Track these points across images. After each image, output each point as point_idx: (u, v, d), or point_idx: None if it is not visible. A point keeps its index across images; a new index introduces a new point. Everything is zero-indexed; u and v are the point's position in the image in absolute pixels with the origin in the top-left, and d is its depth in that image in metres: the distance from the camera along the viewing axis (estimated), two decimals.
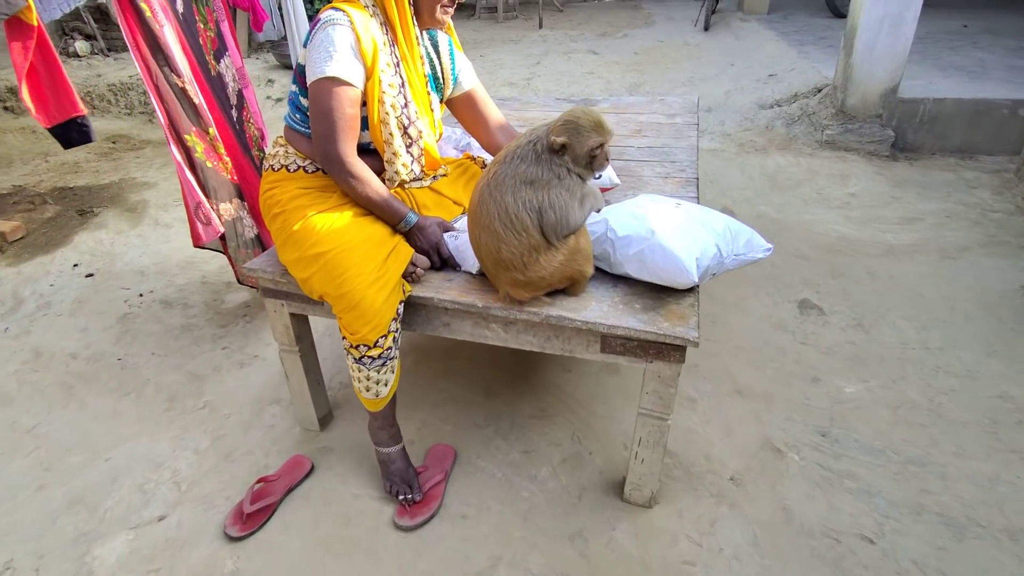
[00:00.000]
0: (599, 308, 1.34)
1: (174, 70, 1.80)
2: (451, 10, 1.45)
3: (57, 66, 1.64)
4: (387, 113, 1.40)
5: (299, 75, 1.42)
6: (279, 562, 1.46)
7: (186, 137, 1.84)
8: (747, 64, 5.21)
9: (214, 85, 2.08)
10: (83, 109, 1.70)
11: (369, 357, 1.33)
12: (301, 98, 1.44)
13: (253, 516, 1.56)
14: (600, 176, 1.40)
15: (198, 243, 1.96)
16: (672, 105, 2.83)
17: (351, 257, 1.29)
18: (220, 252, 2.21)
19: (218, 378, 2.08)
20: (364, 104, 1.39)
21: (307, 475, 1.69)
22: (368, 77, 1.36)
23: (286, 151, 1.50)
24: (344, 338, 1.35)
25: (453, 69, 1.62)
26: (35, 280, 2.70)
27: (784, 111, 4.27)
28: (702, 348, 2.14)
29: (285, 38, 4.49)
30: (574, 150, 1.25)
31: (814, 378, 2.00)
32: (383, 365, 1.36)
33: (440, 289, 1.43)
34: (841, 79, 3.77)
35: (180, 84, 1.81)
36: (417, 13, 1.43)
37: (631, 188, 1.93)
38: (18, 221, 3.04)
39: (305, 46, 1.36)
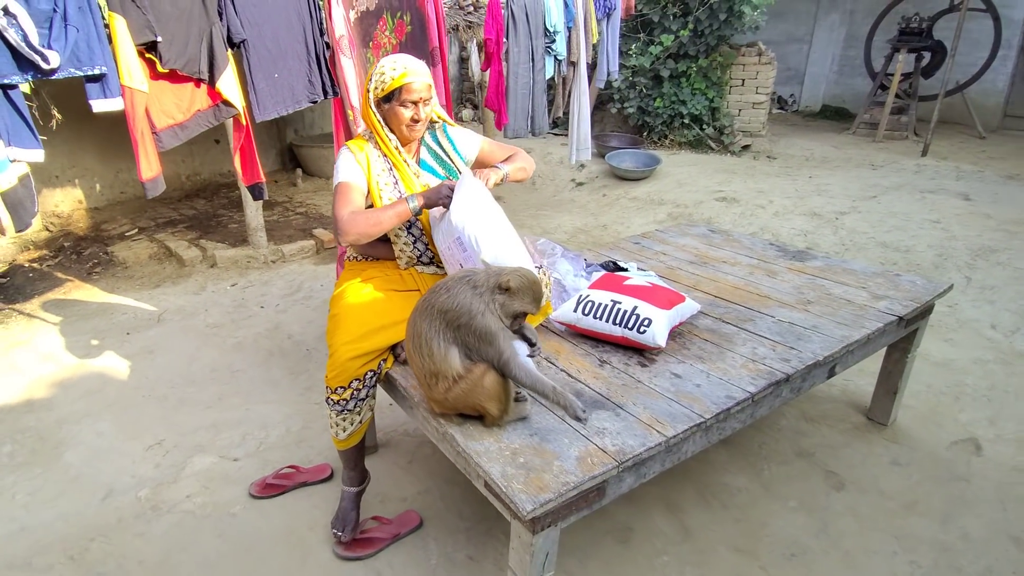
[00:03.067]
0: (487, 445, 1.54)
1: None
2: (417, 127, 1.97)
3: (253, 149, 2.80)
4: (390, 200, 1.97)
5: None
6: (256, 527, 2.09)
7: None
8: None
9: None
10: (263, 177, 2.86)
11: (331, 400, 1.85)
12: None
13: (269, 487, 2.23)
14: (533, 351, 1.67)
15: None
16: (900, 284, 2.48)
17: (345, 320, 1.85)
18: None
19: None
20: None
21: (323, 479, 2.29)
22: (367, 179, 1.98)
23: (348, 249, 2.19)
24: None
25: (456, 151, 2.13)
26: (317, 278, 4.06)
27: None
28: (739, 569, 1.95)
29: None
30: (511, 301, 1.54)
31: None
32: (341, 412, 1.86)
33: (409, 375, 1.84)
34: None
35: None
36: (395, 133, 2.01)
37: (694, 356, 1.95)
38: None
39: None
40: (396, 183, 2.01)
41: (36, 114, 2.42)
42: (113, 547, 2.01)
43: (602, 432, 1.59)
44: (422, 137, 2.11)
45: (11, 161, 2.22)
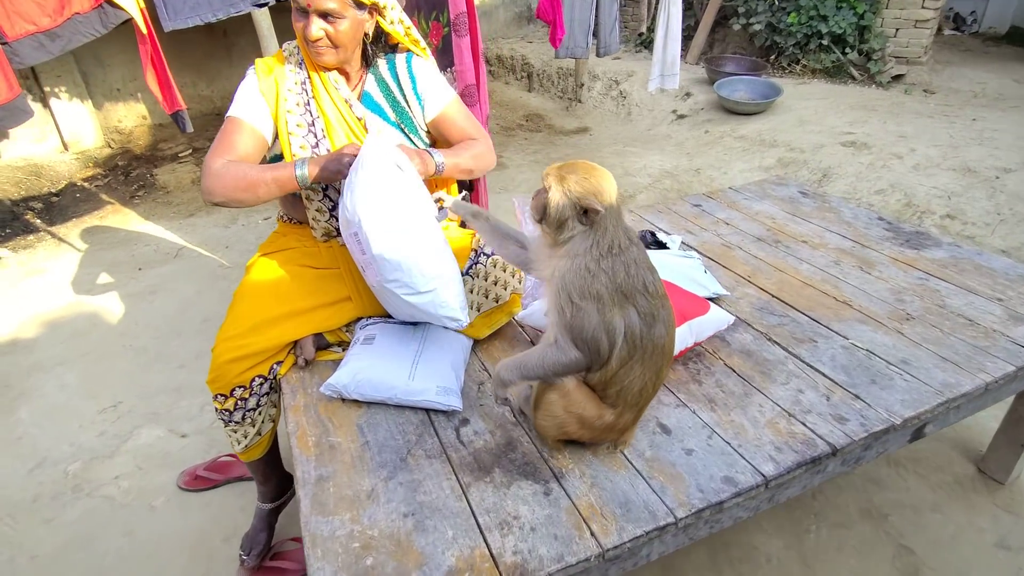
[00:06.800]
0: (335, 525, 1.12)
1: None
2: (321, 49, 1.41)
3: (165, 69, 2.29)
4: (294, 155, 1.45)
5: None
6: (170, 528, 1.84)
7: None
8: None
9: None
10: (183, 105, 2.35)
11: (215, 407, 1.48)
12: None
13: (199, 479, 1.96)
14: None
15: None
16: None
17: (237, 305, 1.48)
18: None
19: None
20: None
21: None
22: (273, 116, 1.47)
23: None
24: None
25: (416, 92, 1.56)
26: None
27: None
28: None
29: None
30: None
31: None
32: (227, 424, 1.49)
33: (299, 391, 1.43)
34: None
35: None
36: None
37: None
38: None
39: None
40: (312, 124, 1.49)
41: None
42: (16, 533, 1.84)
43: (508, 524, 1.10)
44: (374, 63, 1.56)
45: None
